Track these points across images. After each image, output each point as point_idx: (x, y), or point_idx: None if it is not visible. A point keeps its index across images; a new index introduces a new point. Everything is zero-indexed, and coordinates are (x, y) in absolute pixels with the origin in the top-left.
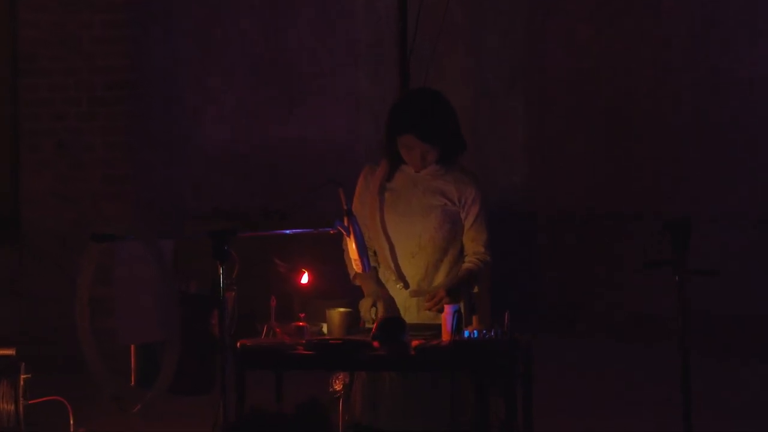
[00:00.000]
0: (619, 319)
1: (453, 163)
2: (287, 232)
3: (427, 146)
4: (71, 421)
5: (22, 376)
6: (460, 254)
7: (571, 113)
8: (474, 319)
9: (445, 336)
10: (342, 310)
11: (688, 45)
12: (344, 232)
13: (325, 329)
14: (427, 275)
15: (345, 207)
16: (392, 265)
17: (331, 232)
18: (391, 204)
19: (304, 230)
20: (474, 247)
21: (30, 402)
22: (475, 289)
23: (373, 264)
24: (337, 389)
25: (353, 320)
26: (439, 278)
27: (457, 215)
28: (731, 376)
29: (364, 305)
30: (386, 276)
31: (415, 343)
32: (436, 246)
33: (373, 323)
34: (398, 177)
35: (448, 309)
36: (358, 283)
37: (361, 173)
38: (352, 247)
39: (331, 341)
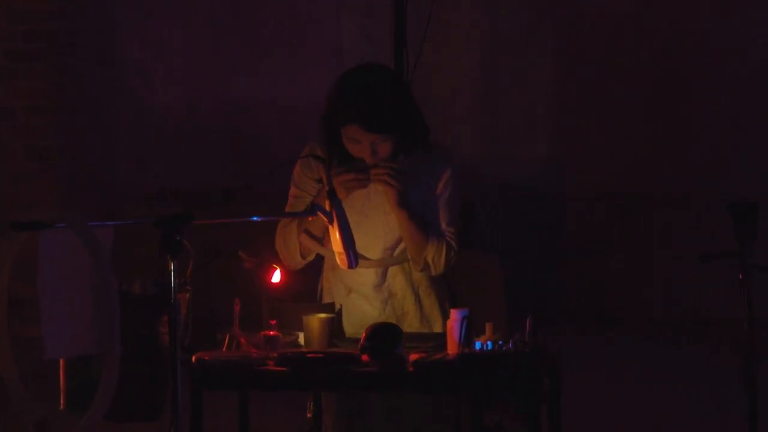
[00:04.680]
0: (668, 321)
1: (417, 147)
2: (255, 218)
3: (376, 137)
4: None
5: None
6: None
7: (607, 69)
8: (487, 326)
9: (452, 348)
10: (323, 316)
11: None
12: (326, 219)
13: (301, 339)
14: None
15: (327, 187)
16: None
17: (310, 218)
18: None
19: (277, 216)
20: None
21: None
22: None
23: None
24: None
25: (336, 328)
26: (412, 305)
27: (430, 215)
28: None
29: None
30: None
31: (413, 356)
32: (413, 254)
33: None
34: None
35: (454, 314)
36: (313, 248)
37: (298, 163)
38: (335, 237)
39: (309, 354)
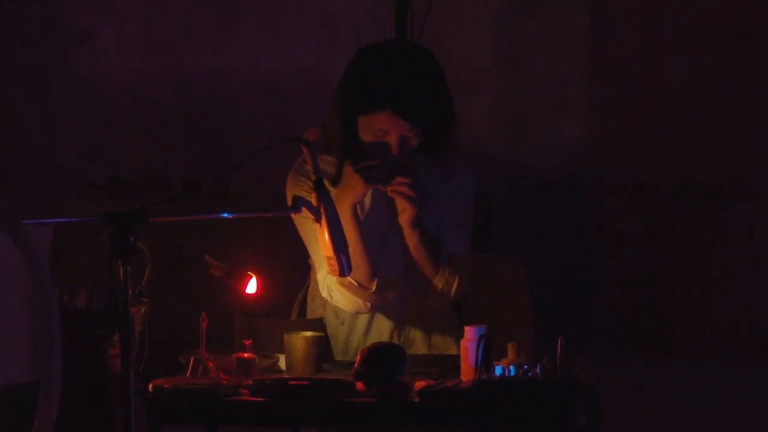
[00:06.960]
0: (731, 340)
1: (439, 150)
2: (226, 215)
3: (410, 128)
4: None
5: None
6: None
7: (655, 35)
8: (510, 347)
9: (466, 374)
10: (308, 334)
11: None
12: (313, 216)
13: (282, 363)
14: (403, 321)
15: (314, 177)
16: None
17: (294, 215)
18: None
19: (252, 213)
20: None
21: None
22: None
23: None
24: None
25: (325, 350)
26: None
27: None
28: None
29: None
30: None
31: (419, 384)
32: (418, 281)
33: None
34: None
35: (469, 332)
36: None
37: (289, 177)
38: (324, 239)
39: (291, 382)
